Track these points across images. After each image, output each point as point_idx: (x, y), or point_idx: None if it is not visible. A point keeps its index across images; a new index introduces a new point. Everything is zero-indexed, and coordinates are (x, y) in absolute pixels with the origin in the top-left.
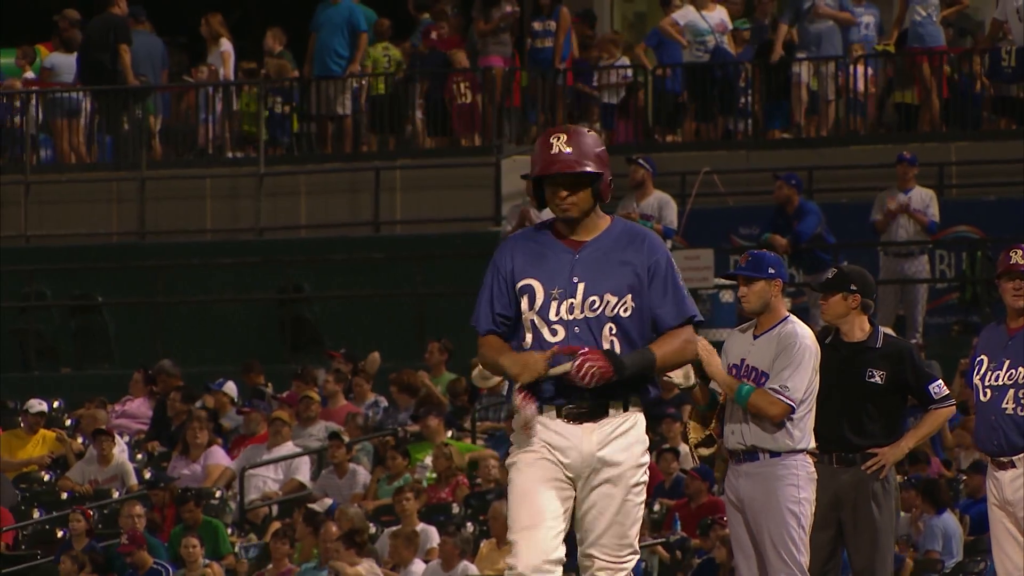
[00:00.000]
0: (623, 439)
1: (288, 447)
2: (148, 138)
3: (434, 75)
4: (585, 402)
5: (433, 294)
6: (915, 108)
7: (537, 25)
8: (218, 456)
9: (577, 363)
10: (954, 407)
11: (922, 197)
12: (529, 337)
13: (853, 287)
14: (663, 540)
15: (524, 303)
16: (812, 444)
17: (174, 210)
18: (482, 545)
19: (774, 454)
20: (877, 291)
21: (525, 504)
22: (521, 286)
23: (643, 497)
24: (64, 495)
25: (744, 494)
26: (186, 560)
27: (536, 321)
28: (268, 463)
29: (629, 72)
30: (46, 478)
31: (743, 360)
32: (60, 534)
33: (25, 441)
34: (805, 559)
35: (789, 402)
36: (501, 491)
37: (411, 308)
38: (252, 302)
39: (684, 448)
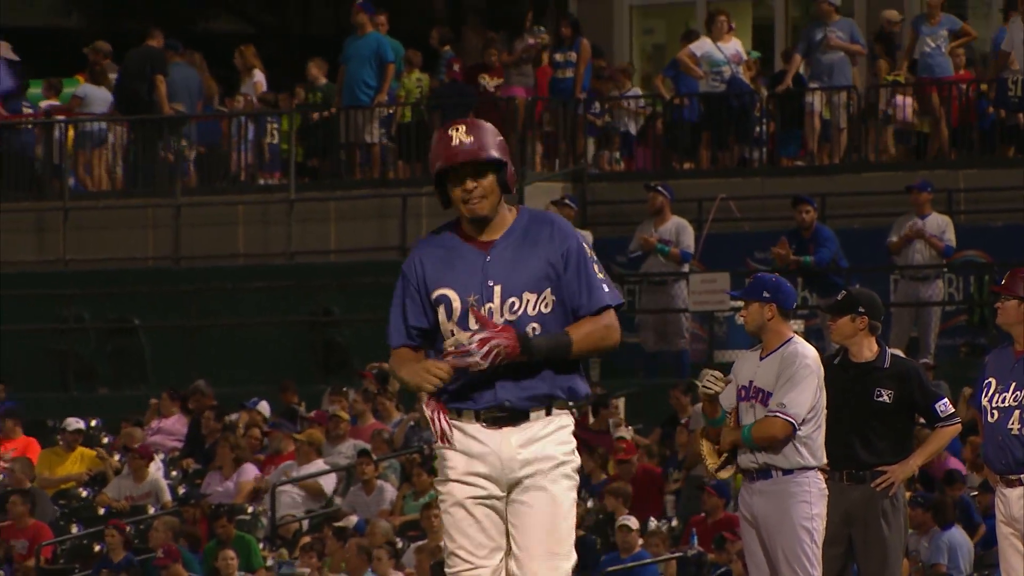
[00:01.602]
0: (544, 441)
1: (318, 464)
2: (183, 166)
3: (457, 104)
4: (503, 409)
5: None
6: (924, 136)
7: (559, 56)
8: (250, 473)
9: (477, 342)
10: (960, 425)
11: (938, 223)
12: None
13: (861, 309)
14: (681, 555)
15: (441, 314)
16: (824, 461)
17: (208, 235)
18: None
19: (786, 472)
20: (890, 314)
21: (458, 547)
22: (436, 296)
23: (574, 496)
24: (101, 511)
25: (758, 511)
26: (222, 573)
27: (456, 332)
28: (298, 480)
29: (642, 101)
30: (84, 494)
31: (751, 382)
32: (97, 548)
33: (63, 458)
34: (818, 573)
35: (788, 419)
36: None
37: None
38: (283, 325)
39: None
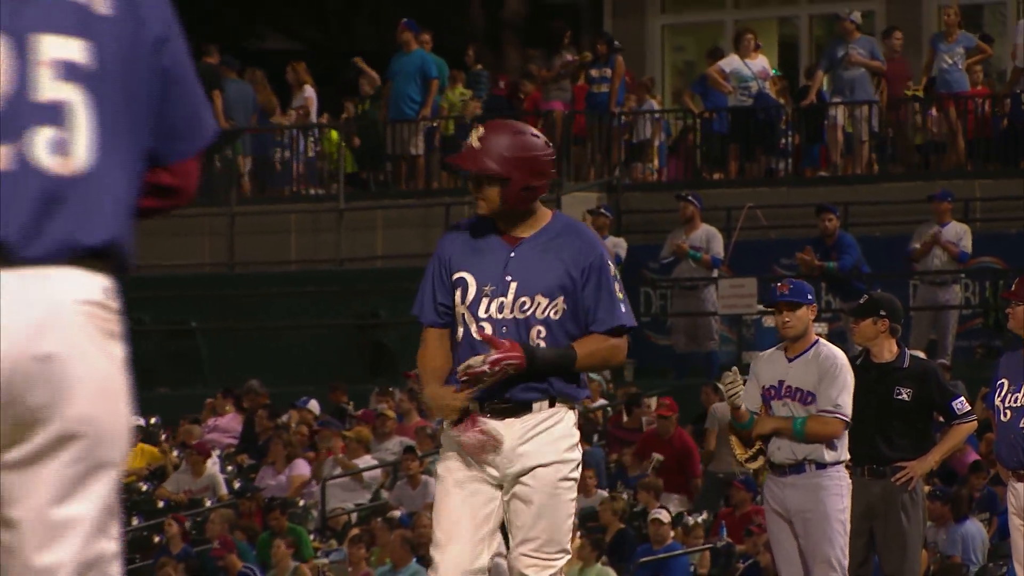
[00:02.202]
0: (546, 435)
1: (366, 460)
2: (237, 176)
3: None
4: (507, 401)
5: None
6: (942, 147)
7: (595, 72)
8: (301, 468)
9: (490, 363)
10: (976, 422)
11: (956, 231)
12: (460, 331)
13: (882, 312)
14: (711, 546)
15: (458, 295)
16: (847, 456)
17: (261, 243)
18: None
19: (820, 466)
20: (910, 317)
21: (442, 519)
22: (456, 278)
23: (573, 494)
24: (161, 504)
25: (791, 504)
26: (275, 562)
27: (466, 316)
28: (346, 475)
29: (657, 115)
30: (144, 488)
31: (781, 382)
32: (157, 540)
33: None
34: (847, 563)
35: (844, 418)
36: None
37: None
38: (332, 327)
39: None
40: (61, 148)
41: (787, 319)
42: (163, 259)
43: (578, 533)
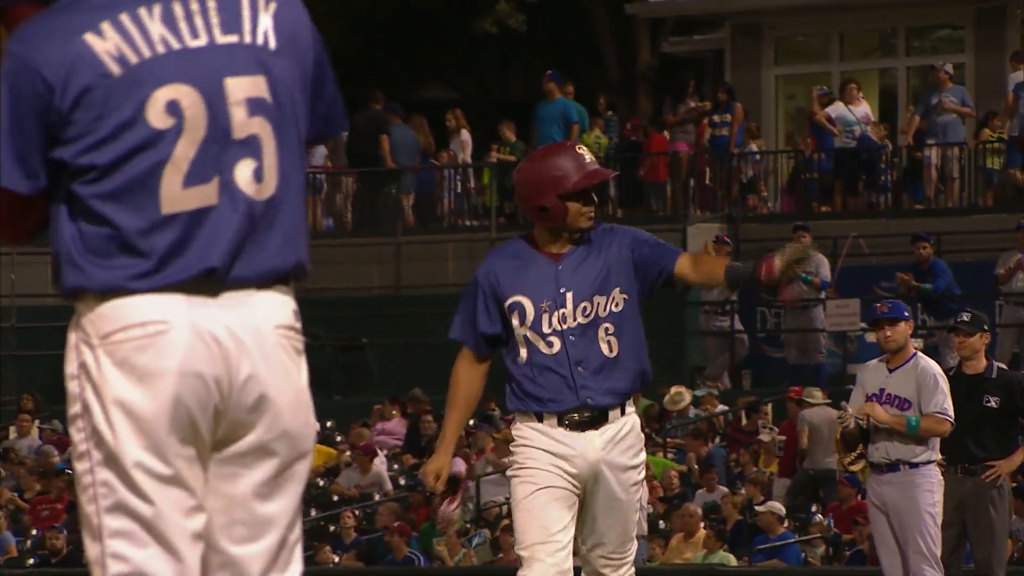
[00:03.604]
0: (624, 442)
1: None
2: (402, 211)
3: (626, 159)
4: (587, 409)
5: None
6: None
7: (716, 117)
8: (458, 466)
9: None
10: None
11: None
12: (524, 352)
13: (986, 327)
14: (821, 535)
15: (515, 320)
16: (938, 456)
17: (423, 268)
18: (672, 538)
19: (912, 465)
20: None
21: (533, 518)
22: (510, 304)
23: (640, 494)
24: (335, 497)
25: (888, 499)
26: (447, 545)
27: (530, 336)
28: (497, 472)
29: (758, 157)
30: (321, 483)
31: (882, 390)
32: (332, 529)
33: None
34: (939, 551)
35: (951, 419)
36: (685, 496)
37: None
38: None
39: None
40: (258, 177)
41: (888, 333)
42: (338, 283)
43: (702, 524)
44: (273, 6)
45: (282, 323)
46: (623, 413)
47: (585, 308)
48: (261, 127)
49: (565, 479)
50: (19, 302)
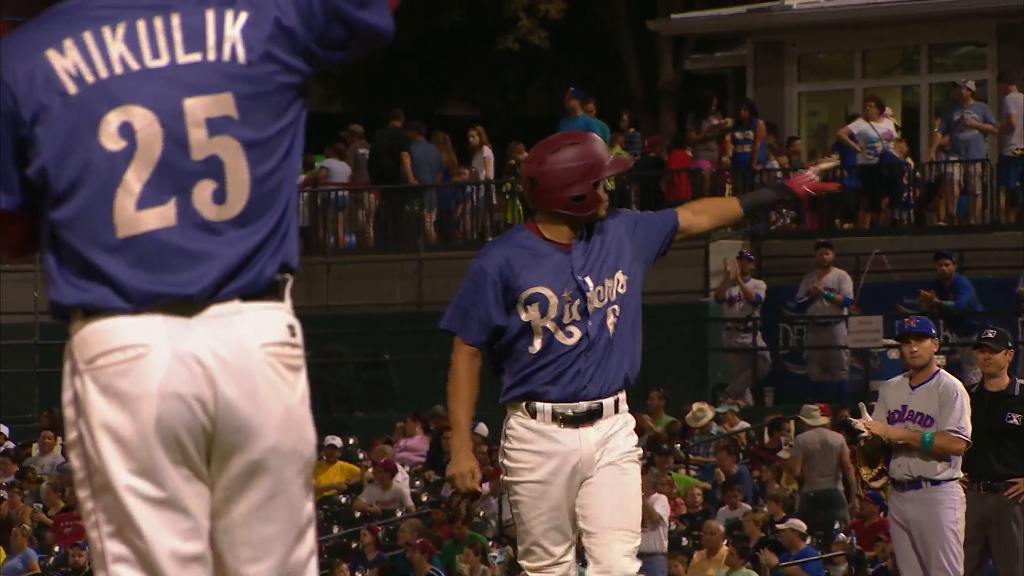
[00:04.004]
0: (620, 433)
1: None
2: (424, 227)
3: (646, 177)
4: (585, 401)
5: (652, 352)
6: None
7: (739, 135)
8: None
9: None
10: None
11: None
12: (538, 342)
13: (1011, 344)
14: (844, 552)
15: (534, 311)
16: (960, 473)
17: (445, 284)
18: (695, 555)
19: (935, 483)
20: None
21: (537, 543)
22: (530, 295)
23: (639, 488)
24: (357, 514)
25: (910, 516)
26: (461, 565)
27: (550, 327)
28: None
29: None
30: (343, 500)
31: (904, 406)
32: (354, 546)
33: (325, 470)
34: (961, 568)
35: (967, 439)
36: (707, 513)
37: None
38: None
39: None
40: (218, 198)
41: (915, 349)
42: (360, 299)
43: (725, 541)
44: (244, 16)
45: (271, 340)
46: (617, 410)
47: (600, 292)
48: (224, 146)
49: (564, 488)
50: (42, 319)
